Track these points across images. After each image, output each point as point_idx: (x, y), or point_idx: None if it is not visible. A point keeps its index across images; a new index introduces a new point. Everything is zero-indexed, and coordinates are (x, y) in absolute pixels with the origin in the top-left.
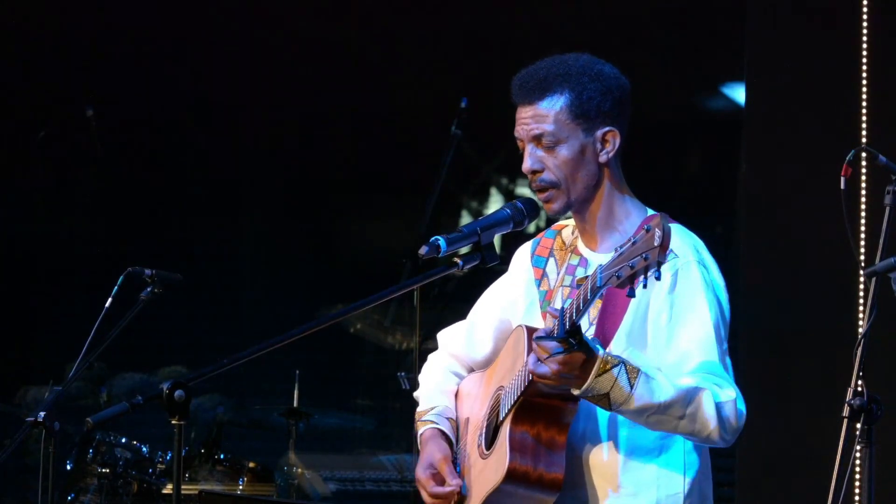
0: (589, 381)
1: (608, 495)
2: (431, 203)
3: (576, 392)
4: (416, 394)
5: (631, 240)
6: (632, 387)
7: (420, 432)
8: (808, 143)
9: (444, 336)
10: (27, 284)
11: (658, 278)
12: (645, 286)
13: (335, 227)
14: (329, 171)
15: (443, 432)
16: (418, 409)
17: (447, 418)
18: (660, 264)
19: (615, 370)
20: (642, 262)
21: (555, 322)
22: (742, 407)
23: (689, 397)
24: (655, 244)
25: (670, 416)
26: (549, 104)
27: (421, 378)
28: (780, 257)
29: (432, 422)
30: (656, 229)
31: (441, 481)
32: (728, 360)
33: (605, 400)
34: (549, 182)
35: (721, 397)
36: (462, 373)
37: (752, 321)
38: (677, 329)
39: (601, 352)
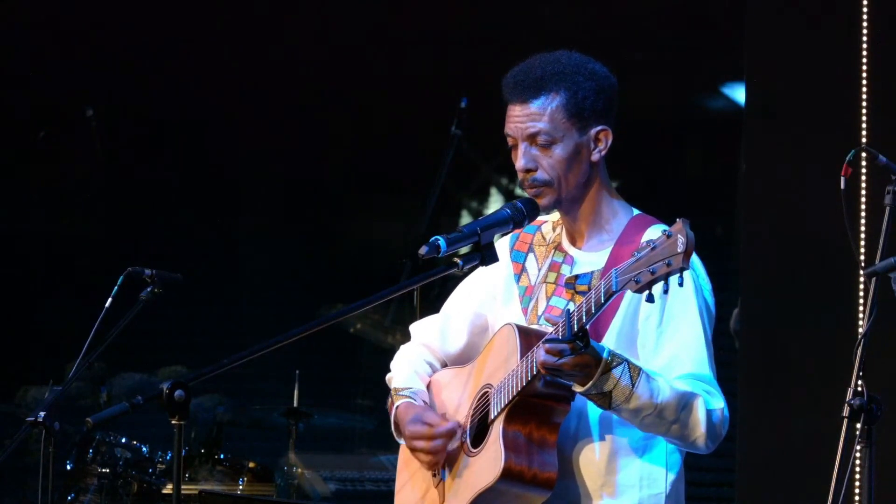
0: (594, 379)
1: (594, 494)
2: (431, 203)
3: (578, 390)
4: (388, 376)
5: (649, 245)
6: (633, 385)
7: (396, 405)
8: (808, 143)
9: (416, 328)
10: (27, 284)
11: (681, 284)
12: (666, 292)
13: (335, 227)
14: (329, 171)
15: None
16: (394, 385)
17: (423, 401)
18: (682, 270)
19: (618, 368)
20: (665, 269)
21: (559, 324)
22: (728, 416)
23: (683, 401)
24: (679, 250)
25: (664, 418)
26: (545, 103)
27: (394, 364)
28: (780, 257)
29: (410, 398)
30: (679, 235)
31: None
32: (714, 367)
33: (606, 398)
34: (542, 181)
35: (712, 405)
36: (436, 364)
37: (752, 321)
38: (667, 334)
39: (606, 350)
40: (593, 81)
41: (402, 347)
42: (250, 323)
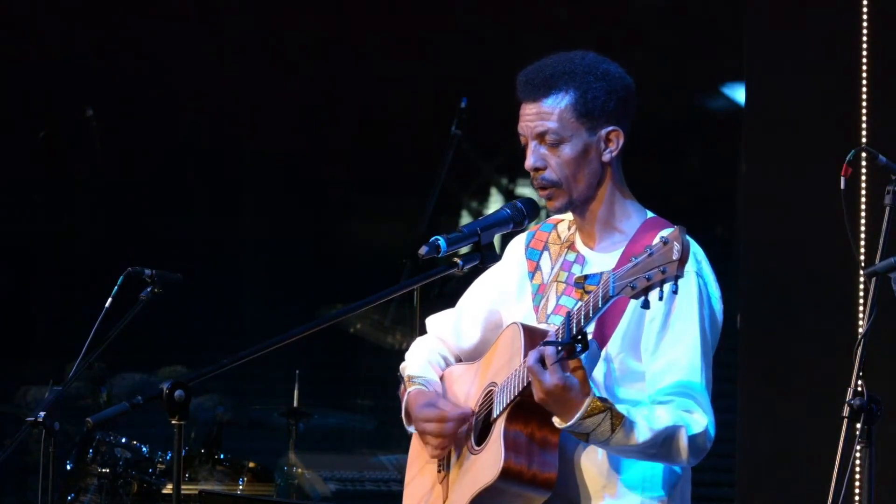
0: (574, 420)
1: (596, 495)
2: (431, 203)
3: (560, 425)
4: (402, 365)
5: (646, 251)
6: (612, 432)
7: (409, 391)
8: (808, 143)
9: (432, 322)
10: (27, 284)
11: (675, 292)
12: (661, 298)
13: (335, 226)
14: (329, 171)
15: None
16: (408, 373)
17: (435, 391)
18: (677, 278)
19: (600, 416)
20: (659, 276)
21: (559, 327)
22: (712, 431)
23: (663, 436)
24: (674, 258)
25: (644, 452)
26: (554, 102)
27: (409, 354)
28: (780, 257)
29: (422, 385)
30: (675, 242)
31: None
32: (710, 377)
33: (583, 437)
34: (549, 181)
35: (693, 429)
36: (450, 358)
37: (752, 321)
38: (666, 341)
39: (595, 392)
40: (605, 82)
41: (418, 339)
42: (250, 323)
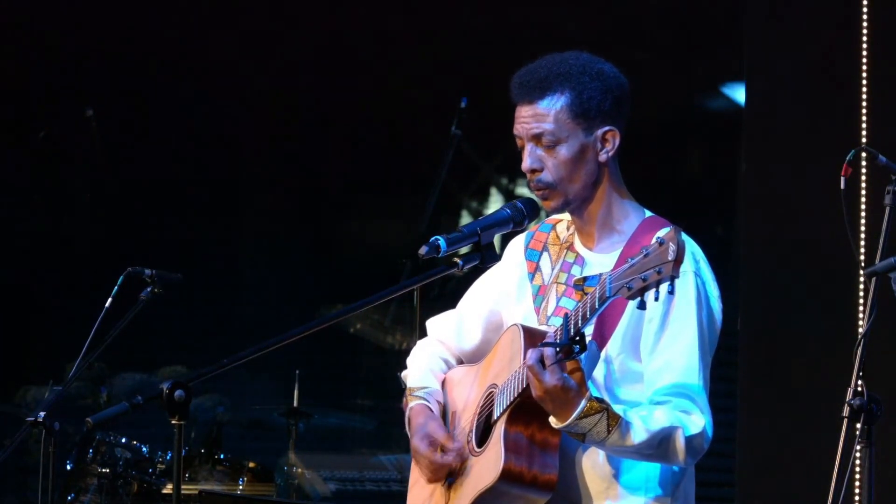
0: (570, 420)
1: (598, 497)
2: (431, 203)
3: (556, 425)
4: (403, 373)
5: (642, 251)
6: (608, 433)
7: (410, 406)
8: (808, 143)
9: (433, 324)
10: (27, 284)
11: (671, 293)
12: (657, 299)
13: (335, 227)
14: (329, 172)
15: (432, 411)
16: (409, 384)
17: (436, 401)
18: (673, 279)
19: (597, 416)
20: (655, 276)
21: (557, 329)
22: (710, 432)
23: (659, 436)
24: (669, 258)
25: (640, 453)
26: (550, 103)
27: (410, 360)
28: (780, 257)
29: (423, 399)
30: (670, 243)
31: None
32: (707, 376)
33: (580, 437)
34: (546, 183)
35: (691, 429)
36: (451, 360)
37: (752, 321)
38: (664, 341)
39: (593, 393)
40: (599, 81)
41: (419, 343)
42: (250, 323)
